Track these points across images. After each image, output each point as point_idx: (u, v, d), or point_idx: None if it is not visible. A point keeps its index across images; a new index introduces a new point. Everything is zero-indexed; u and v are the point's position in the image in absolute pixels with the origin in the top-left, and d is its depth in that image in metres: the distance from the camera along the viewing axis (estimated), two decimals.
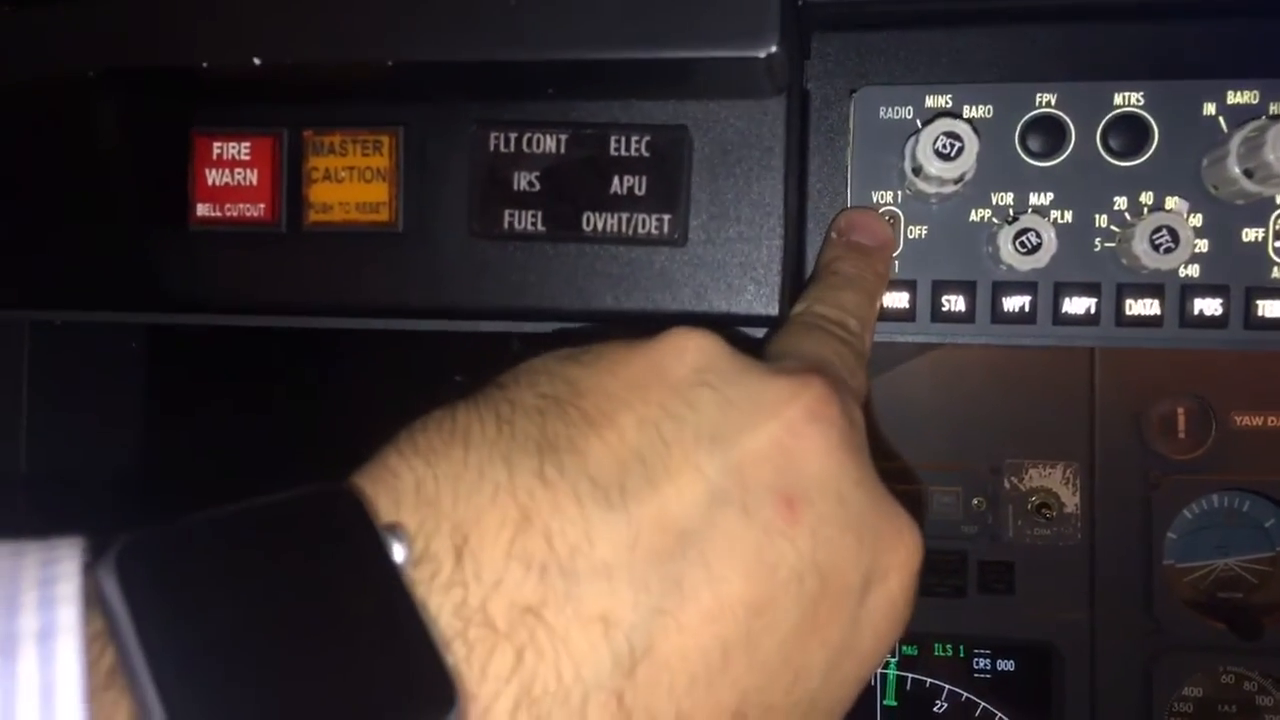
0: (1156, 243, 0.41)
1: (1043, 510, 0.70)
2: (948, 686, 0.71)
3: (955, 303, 0.44)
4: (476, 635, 0.23)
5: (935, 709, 0.72)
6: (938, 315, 0.45)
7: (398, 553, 0.23)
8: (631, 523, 0.25)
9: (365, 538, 0.23)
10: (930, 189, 0.43)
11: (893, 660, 0.72)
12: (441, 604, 0.23)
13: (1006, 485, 0.70)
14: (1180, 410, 0.69)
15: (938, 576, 0.71)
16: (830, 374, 0.32)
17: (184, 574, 0.21)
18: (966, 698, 0.71)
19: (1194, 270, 0.43)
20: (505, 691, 0.22)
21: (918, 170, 0.42)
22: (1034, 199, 0.44)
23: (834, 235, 0.44)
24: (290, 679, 0.20)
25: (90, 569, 0.20)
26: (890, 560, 0.30)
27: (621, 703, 0.24)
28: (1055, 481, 0.70)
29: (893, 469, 0.71)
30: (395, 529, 0.23)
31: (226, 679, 0.19)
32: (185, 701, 0.19)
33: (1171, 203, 0.43)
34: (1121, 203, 0.43)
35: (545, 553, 0.24)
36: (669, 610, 0.25)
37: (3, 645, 0.18)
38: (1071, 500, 0.70)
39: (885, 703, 0.72)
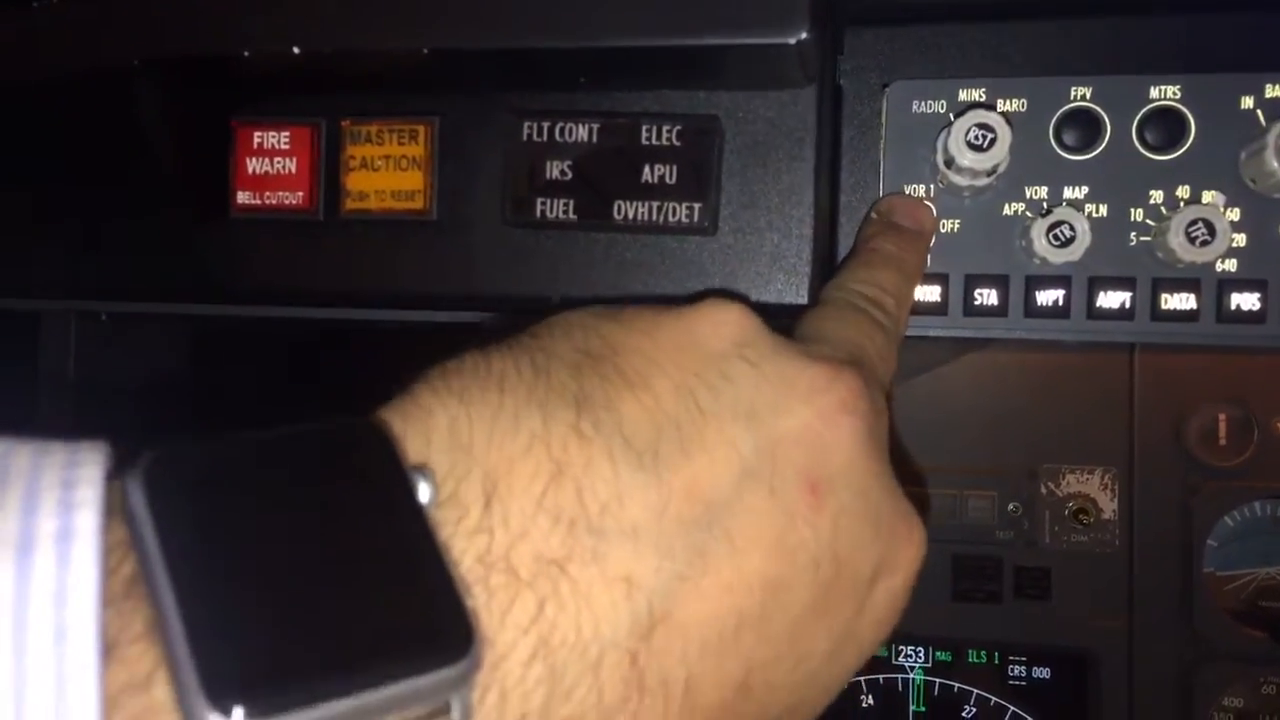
0: (1192, 235, 0.41)
1: (1080, 516, 0.69)
2: (976, 691, 0.70)
3: (988, 296, 0.44)
4: (498, 582, 0.23)
5: (964, 714, 0.71)
6: (970, 309, 0.44)
7: (424, 493, 0.23)
8: (663, 488, 0.25)
9: (393, 475, 0.23)
10: (963, 181, 0.43)
11: (921, 665, 0.72)
12: (465, 549, 0.23)
13: (1043, 490, 0.69)
14: (1221, 416, 0.68)
15: (973, 582, 0.70)
16: (864, 364, 0.32)
17: (210, 491, 0.21)
18: (995, 703, 0.70)
19: (1231, 265, 0.43)
20: (523, 640, 0.23)
21: (950, 163, 0.42)
22: (1068, 193, 0.44)
23: (874, 216, 0.44)
24: (309, 605, 0.20)
25: (113, 478, 0.21)
26: (899, 556, 0.30)
27: (635, 662, 0.24)
28: (1093, 487, 0.69)
29: (906, 472, 0.71)
30: (423, 469, 0.23)
31: (246, 596, 0.19)
32: (205, 613, 0.19)
33: (1208, 196, 0.42)
34: (1157, 196, 0.43)
35: (575, 508, 0.24)
36: (690, 578, 0.25)
37: (19, 546, 0.18)
38: (1110, 506, 0.69)
39: (915, 709, 0.71)
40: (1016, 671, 0.71)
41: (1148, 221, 0.43)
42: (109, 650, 0.19)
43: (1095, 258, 0.43)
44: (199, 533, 0.20)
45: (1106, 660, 0.68)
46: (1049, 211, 0.42)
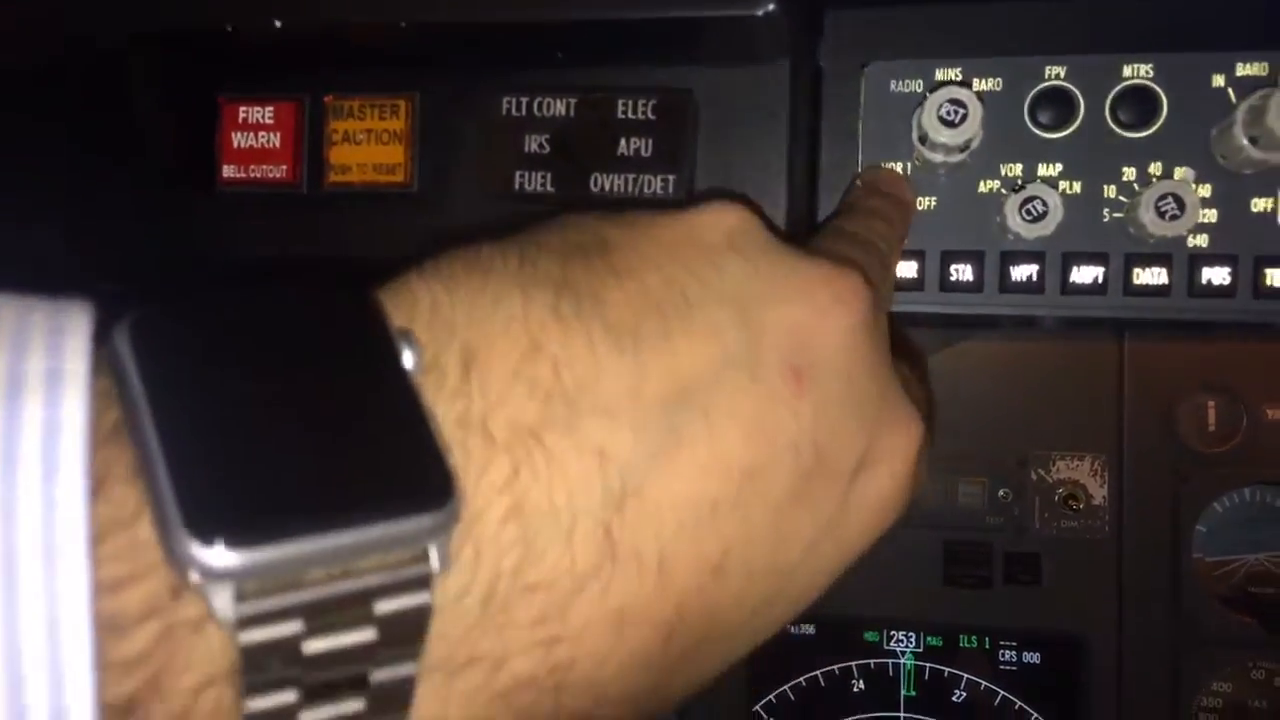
0: (1162, 210, 0.41)
1: (1070, 502, 0.69)
2: (966, 676, 0.71)
3: (963, 272, 0.45)
4: (475, 444, 0.23)
5: (954, 698, 0.71)
6: (946, 285, 0.45)
7: (407, 358, 0.23)
8: (640, 368, 0.26)
9: (378, 337, 0.23)
10: (938, 158, 0.43)
11: (912, 650, 0.72)
12: (445, 412, 0.23)
13: (1033, 477, 0.70)
14: (1210, 403, 0.68)
15: (963, 567, 0.71)
16: (865, 273, 0.32)
17: (196, 342, 0.21)
18: (985, 687, 0.70)
19: (1203, 240, 0.43)
20: (498, 502, 0.23)
21: (924, 139, 0.43)
22: (1043, 170, 0.44)
23: (859, 184, 0.44)
24: (292, 449, 0.20)
25: (98, 334, 0.21)
26: (887, 446, 0.30)
27: (609, 534, 0.24)
28: (1083, 473, 0.70)
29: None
30: (408, 335, 0.23)
31: (229, 438, 0.19)
32: (187, 453, 0.19)
33: (1180, 173, 0.43)
34: (1130, 174, 0.44)
35: (551, 381, 0.24)
36: (665, 456, 0.25)
37: (8, 384, 0.18)
38: (1099, 492, 0.69)
39: (905, 693, 0.72)
40: (1007, 656, 0.71)
41: (1120, 198, 0.44)
42: (95, 489, 0.19)
43: (1069, 234, 0.44)
44: (184, 380, 0.20)
45: (1096, 645, 0.68)
46: (1022, 187, 0.43)
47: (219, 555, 0.18)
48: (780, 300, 0.28)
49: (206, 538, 0.18)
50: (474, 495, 0.22)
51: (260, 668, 0.19)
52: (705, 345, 0.27)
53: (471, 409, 0.23)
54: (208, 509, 0.18)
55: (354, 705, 0.21)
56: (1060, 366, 0.70)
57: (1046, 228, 0.42)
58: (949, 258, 0.45)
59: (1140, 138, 0.43)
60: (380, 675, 0.21)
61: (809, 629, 0.73)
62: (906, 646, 0.72)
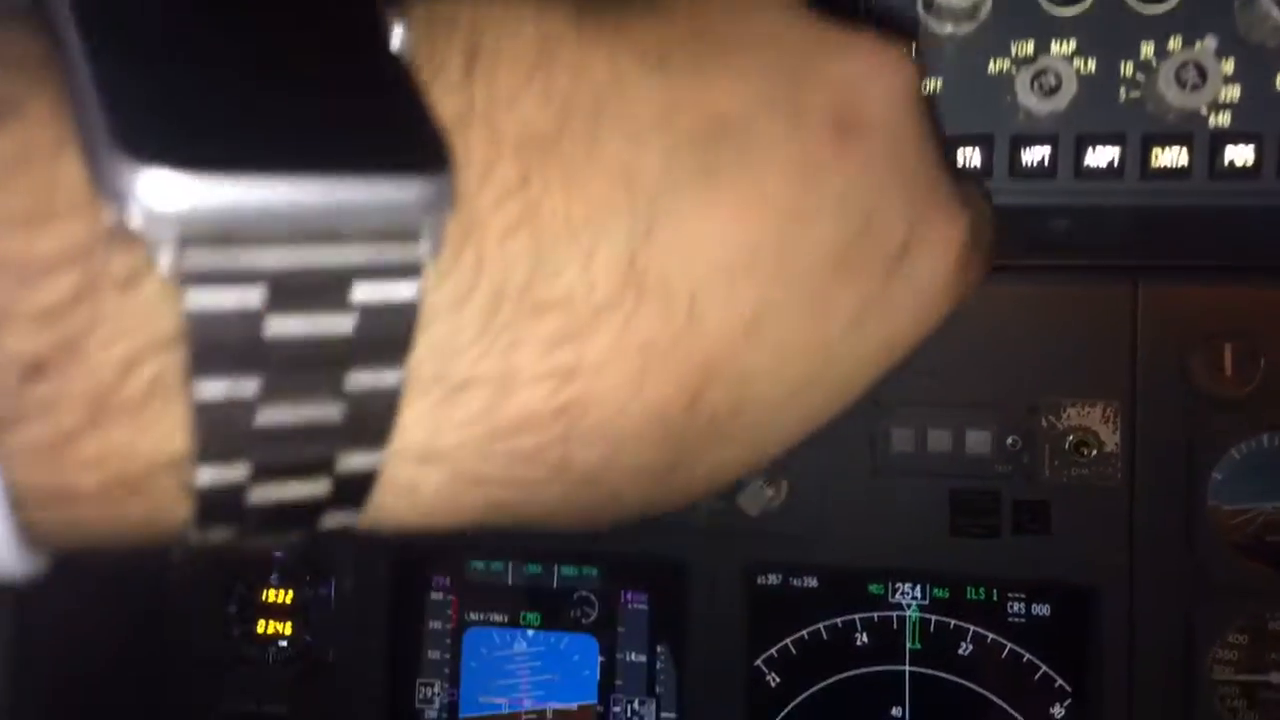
0: (1183, 79, 0.39)
1: (1081, 449, 0.67)
2: (973, 628, 0.68)
3: (972, 157, 0.43)
4: (477, 140, 0.20)
5: (960, 651, 0.69)
6: (954, 170, 0.43)
7: (396, 36, 0.19)
8: (670, 91, 0.23)
9: (363, 12, 0.19)
10: (946, 28, 0.41)
11: (918, 603, 0.70)
12: (442, 102, 0.19)
13: (1043, 424, 0.68)
14: (1227, 348, 0.66)
15: (971, 517, 0.69)
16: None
17: None
18: (992, 639, 0.68)
19: (1224, 119, 0.41)
20: (506, 205, 0.20)
21: (929, 5, 0.41)
22: (1055, 48, 0.42)
23: None
24: (259, 85, 0.16)
25: None
26: (932, 234, 0.27)
27: (633, 263, 0.21)
28: (1095, 420, 0.68)
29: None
30: (397, 13, 0.20)
31: (180, 68, 0.16)
32: (126, 78, 0.15)
33: (1201, 46, 0.41)
34: (1148, 50, 0.42)
35: (569, 90, 0.21)
36: (699, 189, 0.22)
37: None
38: (1112, 439, 0.67)
39: (910, 646, 0.70)
40: (1015, 608, 0.69)
41: (1138, 76, 0.42)
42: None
43: (1083, 115, 0.42)
44: (127, 14, 0.16)
45: (1107, 596, 0.66)
46: (1034, 60, 0.41)
47: (161, 181, 0.15)
48: (828, 54, 0.26)
49: (146, 158, 0.15)
50: (476, 195, 0.19)
51: (210, 344, 0.16)
52: (742, 83, 0.24)
53: (475, 104, 0.20)
54: (148, 128, 0.15)
55: (328, 411, 0.17)
56: (1072, 311, 0.68)
57: (1060, 102, 0.40)
58: (956, 141, 0.43)
59: (1159, 11, 0.41)
60: (358, 380, 0.18)
61: (811, 581, 0.71)
62: (912, 599, 0.70)
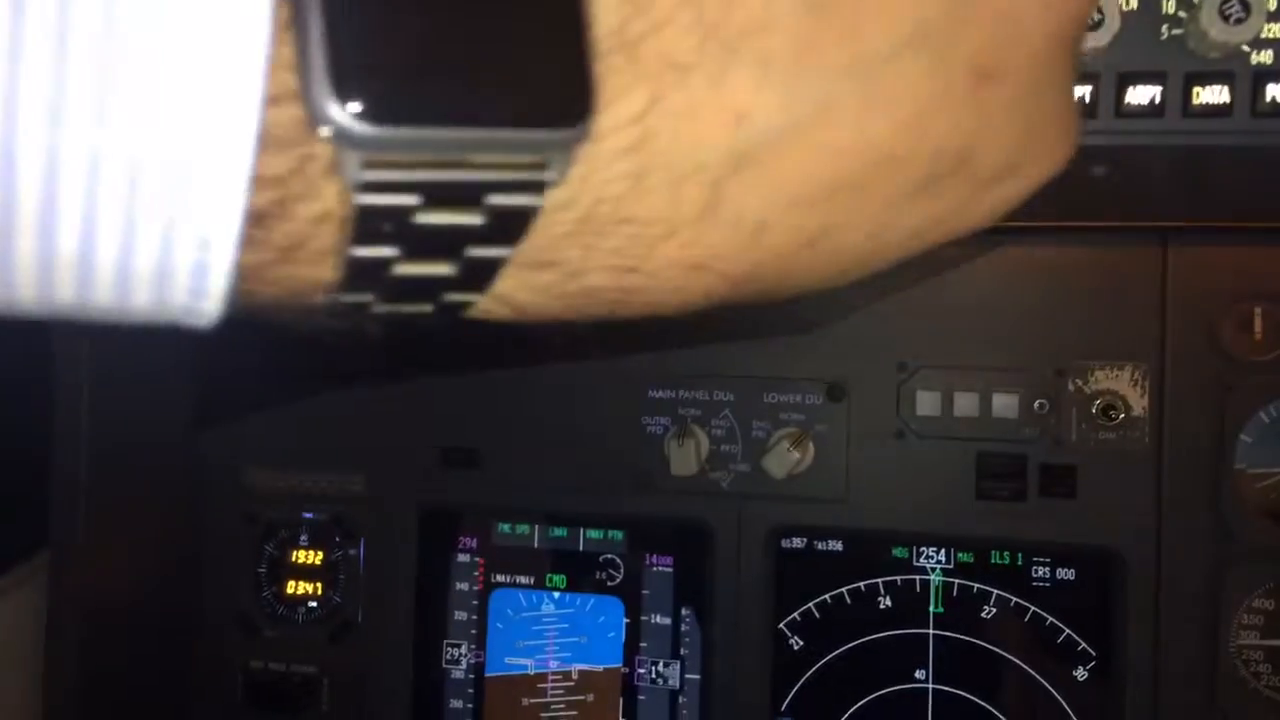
0: (1226, 12, 0.39)
1: (1109, 412, 0.67)
2: (996, 592, 0.69)
3: None
4: (620, 64, 0.21)
5: (984, 615, 0.69)
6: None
7: None
8: (816, 24, 0.23)
9: None
10: None
11: (942, 566, 0.70)
12: (606, 17, 0.21)
13: (1071, 388, 0.68)
14: (1257, 310, 0.66)
15: (996, 481, 0.69)
16: None
17: None
18: (1016, 603, 0.68)
19: (1267, 56, 0.41)
20: (625, 131, 0.22)
21: None
22: None
23: None
24: (447, 39, 0.20)
25: None
26: (1034, 165, 0.28)
27: (716, 190, 0.23)
28: (1123, 383, 0.68)
29: None
30: None
31: (388, 18, 0.19)
32: (345, 26, 0.19)
33: None
34: None
35: (719, 15, 0.22)
36: (806, 128, 0.23)
37: None
38: (1140, 403, 0.67)
39: (934, 610, 0.70)
40: (1040, 572, 0.69)
41: (1180, 13, 0.42)
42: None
43: (1124, 52, 0.42)
44: None
45: (1133, 560, 0.66)
46: None
47: (353, 124, 0.19)
48: None
49: (346, 97, 0.19)
50: (604, 115, 0.21)
51: (371, 224, 0.20)
52: (898, 17, 0.24)
53: (631, 23, 0.21)
54: (355, 74, 0.19)
55: (446, 269, 0.22)
56: (1100, 274, 0.68)
57: (1101, 39, 0.41)
58: None
59: None
60: (475, 252, 0.22)
61: (835, 545, 0.71)
62: (936, 562, 0.70)
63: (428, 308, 0.23)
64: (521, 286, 0.24)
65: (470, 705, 0.74)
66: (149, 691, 0.73)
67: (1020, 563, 0.69)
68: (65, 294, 0.19)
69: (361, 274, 0.21)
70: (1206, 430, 0.66)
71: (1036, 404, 0.68)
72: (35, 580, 0.66)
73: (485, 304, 0.24)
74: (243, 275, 0.20)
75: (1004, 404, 0.69)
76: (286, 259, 0.21)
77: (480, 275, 0.23)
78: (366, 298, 0.22)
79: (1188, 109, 0.42)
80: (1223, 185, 0.53)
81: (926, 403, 0.69)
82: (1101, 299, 0.68)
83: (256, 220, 0.19)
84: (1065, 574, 0.69)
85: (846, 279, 0.28)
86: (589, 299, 0.25)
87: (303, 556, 0.75)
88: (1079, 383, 0.68)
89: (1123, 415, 0.67)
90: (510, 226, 0.22)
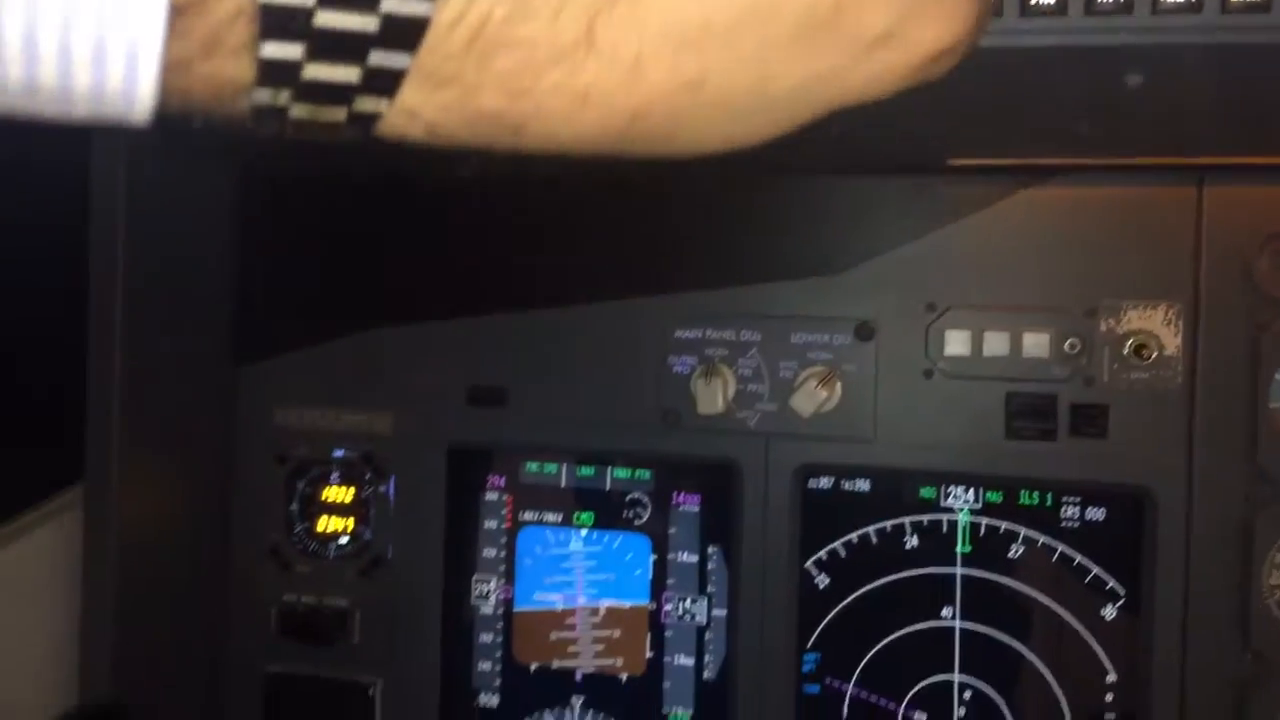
0: None
1: (1141, 351, 0.66)
2: (1024, 531, 0.68)
3: None
4: None
5: (1011, 554, 0.69)
6: (1026, 9, 0.42)
7: None
8: None
9: None
10: None
11: (970, 506, 0.70)
12: None
13: (1103, 327, 0.67)
14: None
15: (1026, 420, 0.68)
16: None
17: None
18: (1044, 543, 0.68)
19: None
20: None
21: None
22: None
23: None
24: None
25: None
26: (925, 30, 0.28)
27: (591, 25, 0.25)
28: (1156, 323, 0.67)
29: None
30: None
31: None
32: None
33: None
34: None
35: None
36: None
37: None
38: (1173, 342, 0.66)
39: (960, 550, 0.70)
40: (1069, 512, 0.68)
41: None
42: None
43: None
44: None
45: (1164, 500, 0.66)
46: None
47: None
48: None
49: None
50: None
51: (276, 19, 0.22)
52: None
53: None
54: None
55: (352, 73, 0.24)
56: (1135, 212, 0.67)
57: None
58: None
59: None
60: (376, 58, 0.24)
61: (863, 484, 0.71)
62: (964, 502, 0.70)
63: (340, 114, 0.25)
64: (426, 103, 0.25)
65: (499, 639, 0.75)
66: (184, 623, 0.74)
67: (1050, 502, 0.69)
68: (15, 71, 0.21)
69: (274, 71, 0.23)
70: (1240, 369, 0.65)
71: (1068, 343, 0.68)
72: (76, 510, 0.68)
73: (395, 118, 0.26)
74: (170, 68, 0.22)
75: (1034, 343, 0.68)
76: (208, 54, 0.23)
77: (384, 82, 0.24)
78: (283, 97, 0.24)
79: (1226, 4, 0.41)
80: (1260, 105, 0.52)
81: (956, 342, 0.69)
82: (1135, 238, 0.67)
83: (179, 11, 0.21)
84: (1095, 513, 0.68)
85: (746, 138, 0.30)
86: (492, 123, 0.26)
87: (334, 494, 0.76)
88: (1111, 322, 0.67)
89: (1155, 354, 0.66)
90: (405, 33, 0.23)
